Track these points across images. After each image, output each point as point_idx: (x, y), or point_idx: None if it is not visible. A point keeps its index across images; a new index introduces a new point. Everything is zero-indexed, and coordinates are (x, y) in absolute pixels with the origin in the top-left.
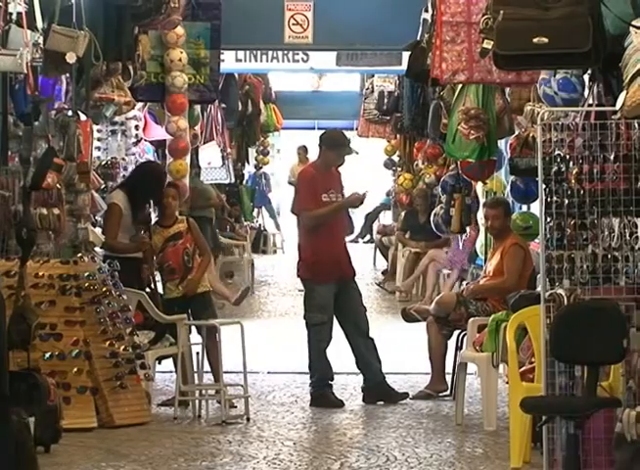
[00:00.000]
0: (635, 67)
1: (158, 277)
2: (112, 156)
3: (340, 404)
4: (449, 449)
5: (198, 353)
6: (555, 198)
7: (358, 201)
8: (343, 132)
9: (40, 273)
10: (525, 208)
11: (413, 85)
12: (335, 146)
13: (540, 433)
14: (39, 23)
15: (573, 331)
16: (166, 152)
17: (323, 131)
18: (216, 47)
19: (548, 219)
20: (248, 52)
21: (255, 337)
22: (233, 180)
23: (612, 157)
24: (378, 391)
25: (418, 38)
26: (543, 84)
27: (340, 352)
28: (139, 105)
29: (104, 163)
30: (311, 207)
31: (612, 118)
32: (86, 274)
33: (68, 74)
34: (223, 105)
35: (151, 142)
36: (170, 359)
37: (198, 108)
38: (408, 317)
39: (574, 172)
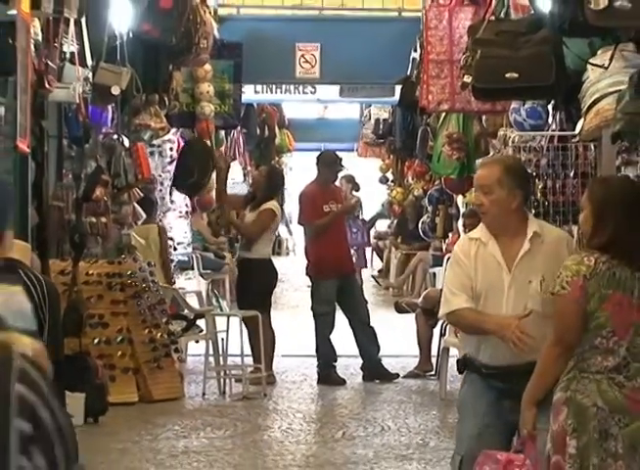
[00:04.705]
0: (591, 98)
1: None
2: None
3: (342, 382)
4: (434, 420)
5: (222, 340)
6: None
7: (352, 208)
8: (335, 153)
9: (90, 272)
10: None
11: (404, 113)
12: (328, 164)
13: None
14: (89, 61)
15: None
16: None
17: (319, 153)
18: (238, 81)
19: None
20: (265, 85)
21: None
22: None
23: (572, 174)
24: (374, 371)
25: (408, 74)
26: (514, 112)
27: (342, 337)
28: (173, 130)
29: None
30: (314, 217)
31: (572, 142)
32: (129, 273)
33: (113, 104)
34: (244, 130)
35: None
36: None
37: (222, 132)
38: (400, 309)
39: (540, 187)
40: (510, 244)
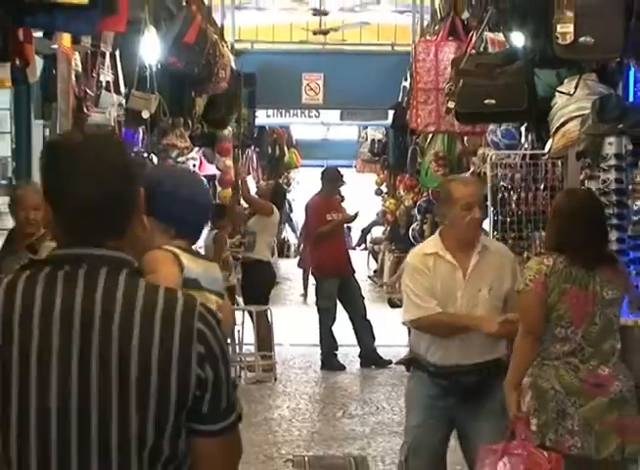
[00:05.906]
0: (559, 121)
1: None
2: None
3: (342, 368)
4: None
5: (238, 331)
6: (500, 217)
7: (351, 218)
8: (338, 170)
9: None
10: None
11: (396, 134)
12: (331, 180)
13: None
14: (122, 89)
15: None
16: (216, 183)
17: (323, 169)
18: (252, 106)
19: (495, 233)
20: (275, 110)
21: (281, 318)
22: None
23: (542, 187)
24: (370, 358)
25: (400, 100)
26: (491, 133)
27: (343, 329)
28: (196, 149)
29: None
30: (318, 225)
31: (542, 159)
32: None
33: (143, 127)
34: (257, 149)
35: (205, 176)
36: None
37: (238, 151)
38: (393, 304)
39: (515, 198)
40: (463, 257)
